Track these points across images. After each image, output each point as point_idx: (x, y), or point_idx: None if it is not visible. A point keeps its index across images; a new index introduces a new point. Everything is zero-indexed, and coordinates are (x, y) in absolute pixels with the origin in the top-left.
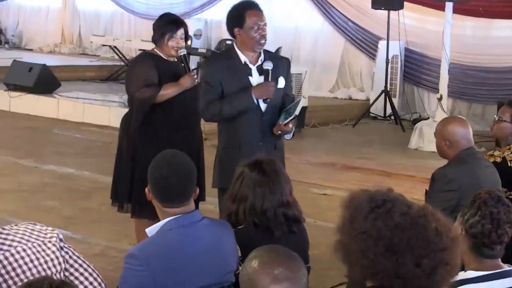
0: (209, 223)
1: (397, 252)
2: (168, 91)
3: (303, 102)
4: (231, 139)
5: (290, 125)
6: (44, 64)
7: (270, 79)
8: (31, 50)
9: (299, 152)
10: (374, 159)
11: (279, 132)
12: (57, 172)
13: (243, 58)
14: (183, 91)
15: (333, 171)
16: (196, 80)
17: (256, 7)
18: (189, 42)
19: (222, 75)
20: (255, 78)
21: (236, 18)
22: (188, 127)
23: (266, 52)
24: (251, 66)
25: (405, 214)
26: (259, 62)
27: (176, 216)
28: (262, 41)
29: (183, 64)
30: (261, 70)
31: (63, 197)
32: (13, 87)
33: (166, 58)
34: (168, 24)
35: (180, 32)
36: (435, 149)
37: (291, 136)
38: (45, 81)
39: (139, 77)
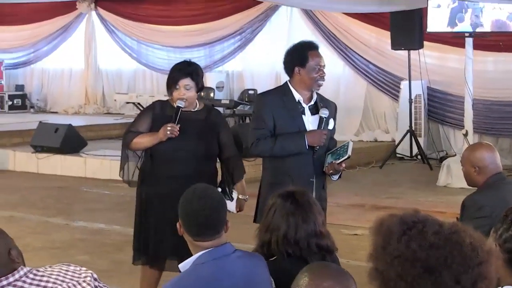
0: (242, 255)
1: (435, 271)
2: (142, 140)
3: (352, 144)
4: (281, 174)
5: (343, 165)
6: (70, 124)
7: (323, 127)
8: (56, 112)
9: (328, 195)
10: (403, 198)
11: (331, 171)
12: (87, 228)
13: (297, 96)
14: (172, 142)
15: (362, 211)
16: (174, 134)
17: (318, 48)
18: (211, 94)
19: (276, 110)
20: (308, 118)
21: (299, 57)
22: (182, 176)
23: (317, 94)
24: (304, 105)
25: (438, 233)
26: (312, 102)
27: (208, 249)
28: (321, 82)
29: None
30: (314, 110)
31: (95, 251)
32: (40, 148)
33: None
34: (171, 75)
35: (183, 83)
36: (464, 185)
37: (337, 178)
38: (71, 141)
39: (132, 122)
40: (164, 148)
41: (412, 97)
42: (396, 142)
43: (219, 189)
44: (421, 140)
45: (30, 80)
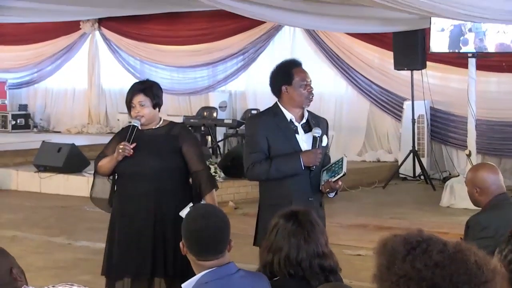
0: (245, 275)
1: None
2: (102, 163)
3: (346, 160)
4: (279, 196)
5: (340, 183)
6: (73, 144)
7: (318, 146)
8: (59, 132)
9: (331, 215)
10: (406, 219)
11: (328, 189)
12: (90, 247)
13: (288, 115)
14: (131, 161)
15: (365, 232)
16: (127, 152)
17: (301, 64)
18: (214, 114)
19: (269, 132)
20: (301, 136)
21: (284, 76)
22: (144, 194)
23: (308, 111)
24: (296, 123)
25: (442, 252)
26: (304, 120)
27: (212, 269)
28: (311, 97)
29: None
30: (306, 128)
31: (97, 271)
32: (43, 168)
33: (140, 128)
34: (127, 96)
35: (136, 100)
36: (467, 206)
37: (334, 194)
38: (74, 161)
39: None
40: (124, 167)
41: (415, 117)
42: (399, 162)
43: (190, 204)
44: (424, 160)
45: (34, 99)
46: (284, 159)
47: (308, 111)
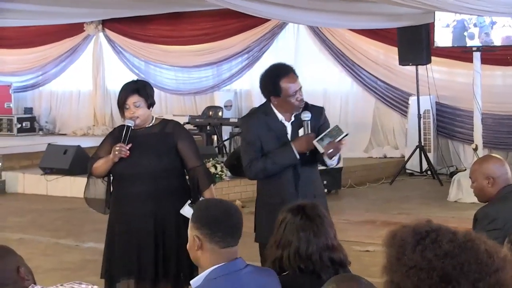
0: (254, 270)
1: (452, 280)
2: (98, 165)
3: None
4: (272, 194)
5: (343, 143)
6: (79, 146)
7: (309, 130)
8: (64, 134)
9: (339, 212)
10: (414, 214)
11: (331, 150)
12: (97, 249)
13: (279, 116)
14: (127, 161)
15: (373, 228)
16: (123, 154)
17: (289, 71)
18: (220, 113)
19: (260, 131)
20: (292, 135)
21: (271, 88)
22: (142, 194)
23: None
24: (286, 123)
25: (452, 241)
26: (293, 119)
27: (220, 264)
28: (301, 105)
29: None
30: (296, 125)
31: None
32: (49, 170)
33: (133, 128)
34: (119, 96)
35: (131, 101)
36: (475, 200)
37: (336, 162)
38: (80, 163)
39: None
40: (120, 168)
41: (421, 113)
42: (406, 158)
43: (189, 201)
44: (430, 156)
45: (39, 102)
46: (278, 152)
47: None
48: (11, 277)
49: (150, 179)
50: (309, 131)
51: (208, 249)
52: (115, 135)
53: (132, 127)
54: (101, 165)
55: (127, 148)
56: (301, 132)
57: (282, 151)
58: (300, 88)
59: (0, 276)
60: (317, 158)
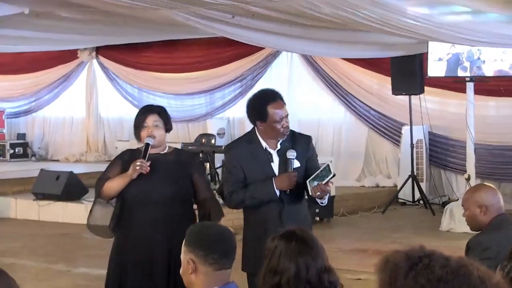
0: None
1: None
2: (112, 184)
3: (331, 165)
4: (257, 225)
5: (330, 185)
6: (71, 172)
7: (292, 169)
8: (57, 160)
9: (330, 240)
10: (406, 243)
11: (318, 193)
12: (89, 274)
13: (264, 144)
14: (142, 185)
15: (365, 256)
16: (144, 169)
17: (277, 97)
18: (213, 141)
19: (244, 161)
20: (276, 164)
21: (257, 112)
22: (155, 220)
23: (291, 130)
24: (271, 151)
25: (445, 266)
26: (278, 147)
27: None
28: (286, 132)
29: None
30: (281, 154)
31: None
32: (41, 196)
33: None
34: (138, 117)
35: (151, 120)
36: (467, 230)
37: (326, 201)
38: (72, 188)
39: (103, 172)
40: (134, 191)
41: (414, 142)
42: (398, 187)
43: None
44: (423, 185)
45: (32, 128)
46: (258, 186)
47: (291, 130)
48: None
49: (165, 206)
50: (292, 170)
51: (203, 272)
52: (126, 158)
53: (151, 145)
54: (115, 183)
55: (148, 164)
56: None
57: (262, 186)
58: (287, 115)
59: None
60: (309, 198)
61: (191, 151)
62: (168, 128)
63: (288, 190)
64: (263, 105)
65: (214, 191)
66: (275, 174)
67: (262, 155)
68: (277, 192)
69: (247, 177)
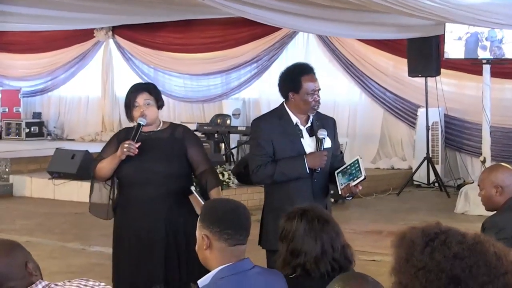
0: (261, 271)
1: (461, 282)
2: (103, 165)
3: (362, 162)
4: (282, 199)
5: (360, 187)
6: (87, 151)
7: (323, 148)
8: (73, 140)
9: (345, 222)
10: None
11: (347, 194)
12: (104, 252)
13: (294, 119)
14: (136, 164)
15: (380, 238)
16: (132, 151)
17: (311, 71)
18: (228, 121)
19: (274, 135)
20: (306, 140)
21: (292, 83)
22: (152, 198)
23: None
24: (301, 127)
25: (461, 243)
26: (309, 124)
27: (227, 264)
28: (316, 107)
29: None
30: (311, 131)
31: (111, 276)
32: (56, 175)
33: (142, 131)
34: (128, 96)
35: (141, 99)
36: (481, 213)
37: (351, 197)
38: (88, 167)
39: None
40: (128, 171)
41: (429, 125)
42: (413, 170)
43: (193, 186)
44: (438, 168)
45: (48, 107)
46: (289, 162)
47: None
48: (19, 272)
49: (161, 185)
50: (322, 149)
51: (217, 248)
52: (122, 137)
53: (143, 125)
54: (106, 164)
55: (136, 146)
56: (312, 141)
57: (293, 162)
58: (319, 89)
59: (8, 271)
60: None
61: (206, 131)
62: (160, 104)
63: (319, 169)
64: (298, 76)
65: (229, 171)
66: (305, 151)
67: (293, 130)
68: (307, 170)
69: (276, 152)
